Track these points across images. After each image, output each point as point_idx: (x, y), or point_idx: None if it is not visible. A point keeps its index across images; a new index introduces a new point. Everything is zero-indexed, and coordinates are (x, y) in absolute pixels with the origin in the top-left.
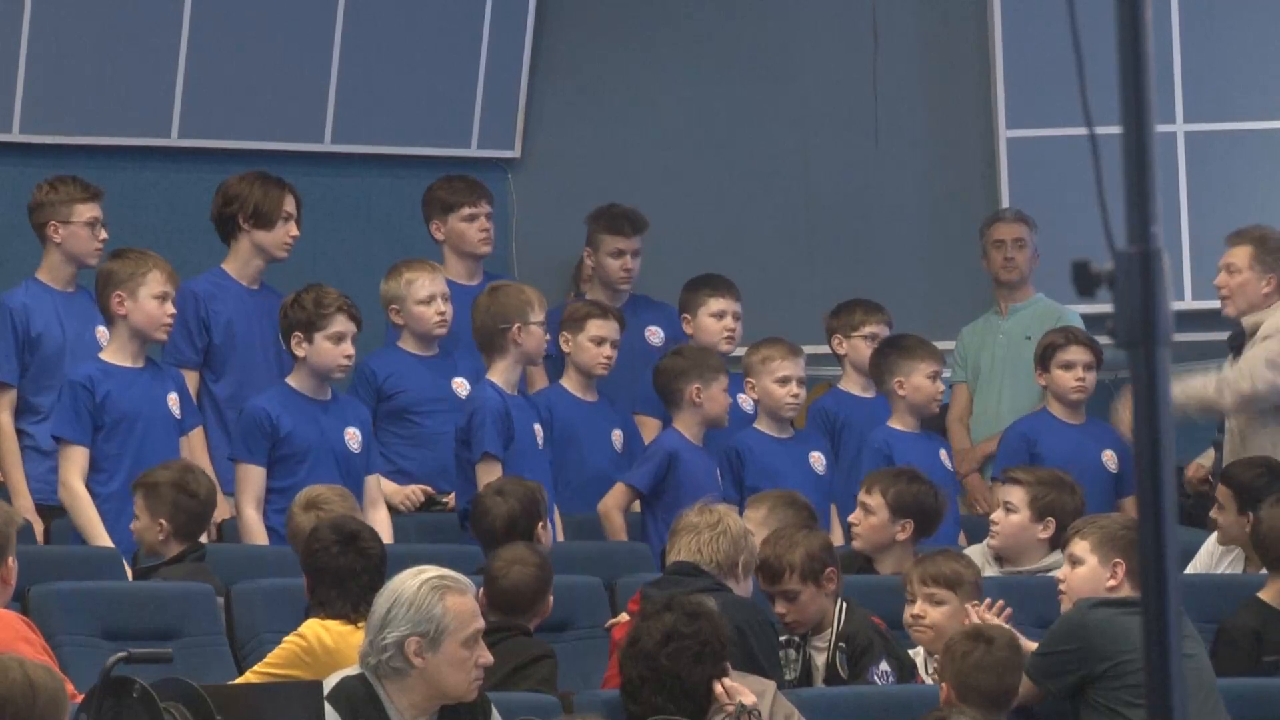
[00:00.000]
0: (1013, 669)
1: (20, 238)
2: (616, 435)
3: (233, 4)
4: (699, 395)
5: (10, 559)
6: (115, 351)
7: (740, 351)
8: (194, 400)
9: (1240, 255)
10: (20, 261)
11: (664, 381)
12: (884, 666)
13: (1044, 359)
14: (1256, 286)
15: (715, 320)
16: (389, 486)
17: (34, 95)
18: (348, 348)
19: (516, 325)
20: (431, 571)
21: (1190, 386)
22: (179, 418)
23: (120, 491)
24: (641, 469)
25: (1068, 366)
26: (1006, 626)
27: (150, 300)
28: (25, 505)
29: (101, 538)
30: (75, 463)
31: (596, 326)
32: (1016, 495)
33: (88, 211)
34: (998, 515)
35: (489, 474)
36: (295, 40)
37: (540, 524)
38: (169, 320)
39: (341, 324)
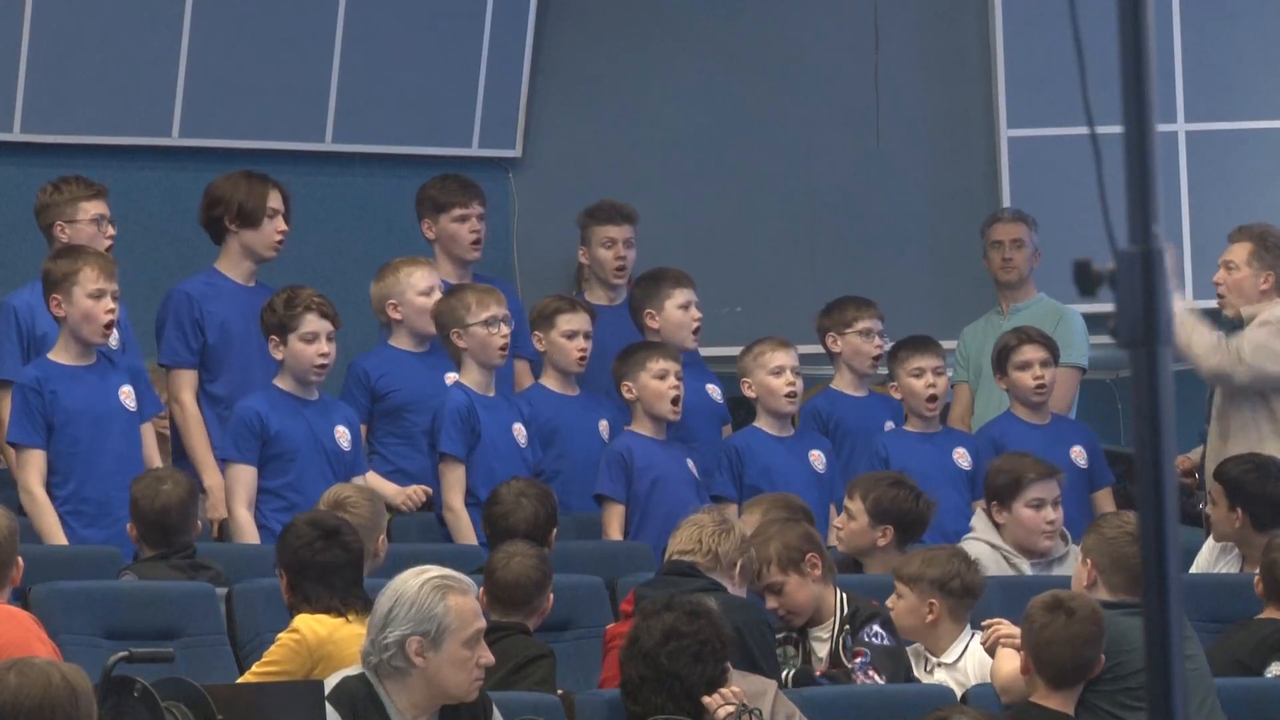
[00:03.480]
0: (1092, 641)
1: (21, 238)
2: (603, 426)
3: (233, 4)
4: (631, 391)
5: (17, 564)
6: (61, 351)
7: (736, 351)
8: (168, 387)
9: (1239, 252)
10: (22, 261)
11: (616, 385)
12: (876, 628)
13: (1000, 362)
14: (1254, 283)
15: (683, 312)
16: (390, 487)
17: (35, 95)
18: (322, 346)
19: (455, 330)
20: (434, 571)
21: (1197, 334)
22: (134, 410)
23: (76, 493)
24: (600, 479)
25: (1024, 367)
26: (1090, 597)
27: (85, 300)
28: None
29: (60, 543)
30: (33, 467)
31: (566, 321)
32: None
33: (93, 209)
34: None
35: (449, 474)
36: (296, 40)
37: (554, 531)
38: (107, 318)
39: (313, 323)
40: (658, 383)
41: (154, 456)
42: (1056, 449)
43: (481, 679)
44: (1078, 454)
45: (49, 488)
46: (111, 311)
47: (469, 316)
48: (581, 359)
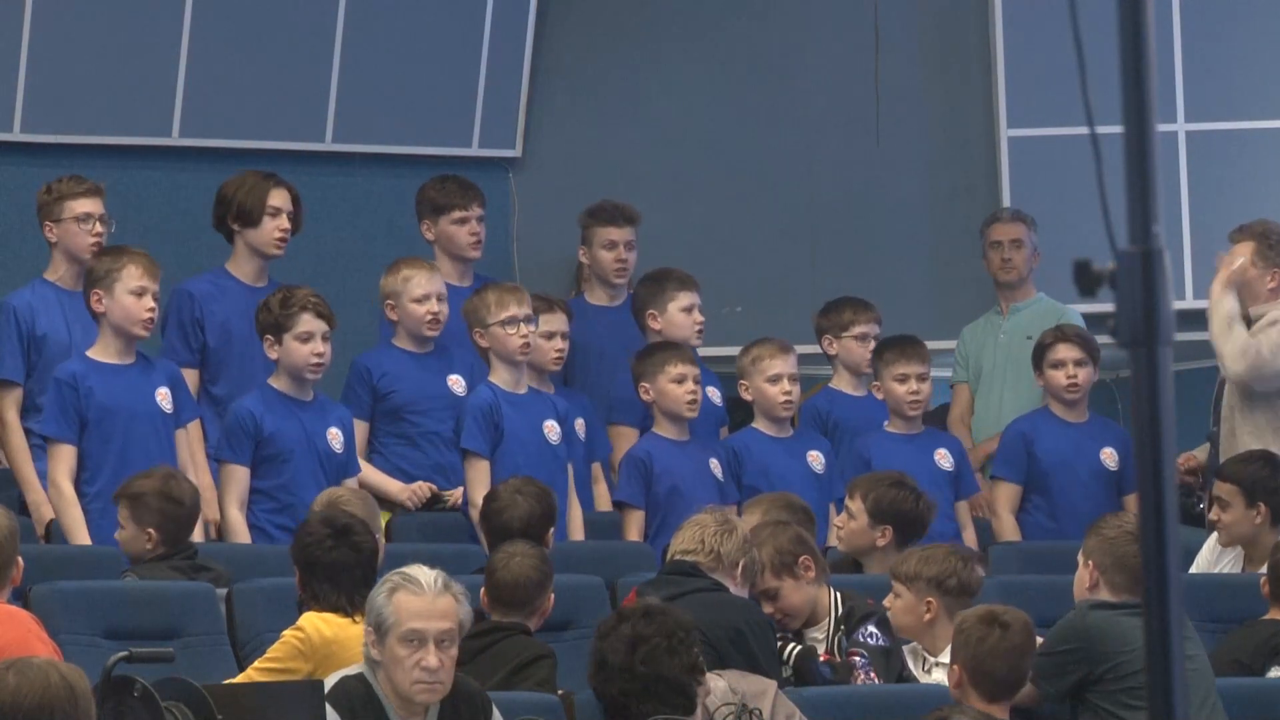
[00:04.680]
0: (1026, 654)
1: (21, 238)
2: (579, 424)
3: (234, 4)
4: (649, 392)
5: (17, 564)
6: (101, 349)
7: (736, 351)
8: (192, 394)
9: (1242, 253)
10: (21, 261)
11: (635, 386)
12: (871, 628)
13: (1038, 359)
14: (1261, 283)
15: (686, 314)
16: (393, 484)
17: (35, 95)
18: (317, 346)
19: (477, 330)
20: (402, 570)
21: (1228, 323)
22: (170, 412)
23: (105, 491)
24: (620, 485)
25: (1058, 365)
26: (1019, 610)
27: (126, 296)
28: (38, 499)
29: (83, 540)
30: (63, 461)
31: (544, 322)
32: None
33: (78, 207)
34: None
35: (472, 470)
36: (296, 39)
37: (551, 529)
38: (148, 315)
39: (308, 323)
40: (676, 386)
41: (187, 462)
42: (1087, 449)
43: (424, 681)
44: (1107, 455)
45: (78, 484)
46: (151, 309)
47: (488, 316)
48: (557, 359)
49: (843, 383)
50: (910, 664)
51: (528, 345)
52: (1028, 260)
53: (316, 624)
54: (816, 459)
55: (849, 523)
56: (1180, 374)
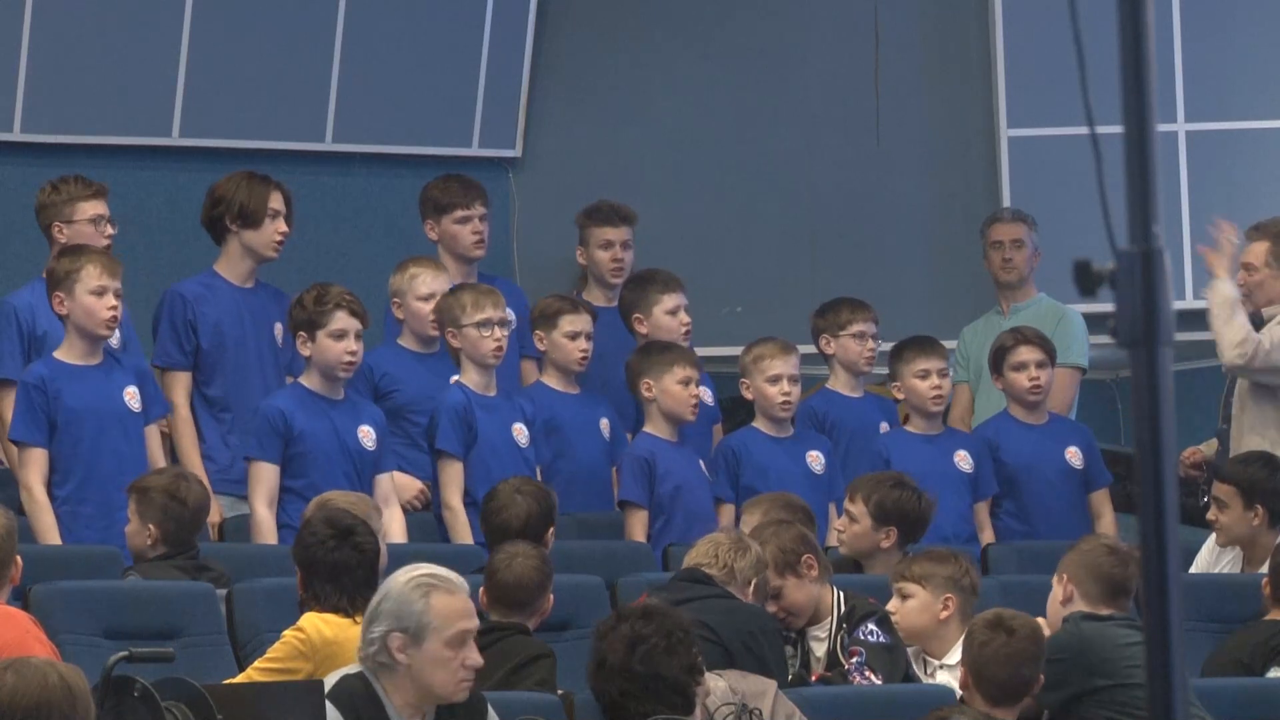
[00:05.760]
0: (1031, 660)
1: (21, 237)
2: (604, 424)
3: (233, 4)
4: (650, 390)
5: (16, 563)
6: (66, 350)
7: (736, 351)
8: (161, 389)
9: (1257, 253)
10: (21, 261)
11: (629, 380)
12: (871, 626)
13: (996, 362)
14: (1275, 283)
15: (671, 317)
16: (401, 479)
17: (35, 94)
18: (350, 344)
19: (450, 330)
20: (424, 569)
21: (1230, 309)
22: (138, 411)
23: (75, 494)
24: (624, 484)
25: (1019, 367)
26: (1030, 617)
27: (87, 296)
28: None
29: (54, 542)
30: (35, 465)
31: (569, 322)
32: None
33: (90, 209)
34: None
35: (445, 472)
36: (296, 39)
37: (551, 529)
38: (109, 315)
39: (342, 321)
40: (680, 389)
41: (158, 459)
42: (1051, 449)
43: (468, 680)
44: (1072, 454)
45: (49, 487)
46: (114, 309)
47: (463, 317)
48: (583, 359)
49: (839, 384)
50: (912, 664)
51: (500, 349)
52: (1028, 260)
53: (317, 624)
54: (816, 459)
55: (851, 526)
56: (1181, 374)
